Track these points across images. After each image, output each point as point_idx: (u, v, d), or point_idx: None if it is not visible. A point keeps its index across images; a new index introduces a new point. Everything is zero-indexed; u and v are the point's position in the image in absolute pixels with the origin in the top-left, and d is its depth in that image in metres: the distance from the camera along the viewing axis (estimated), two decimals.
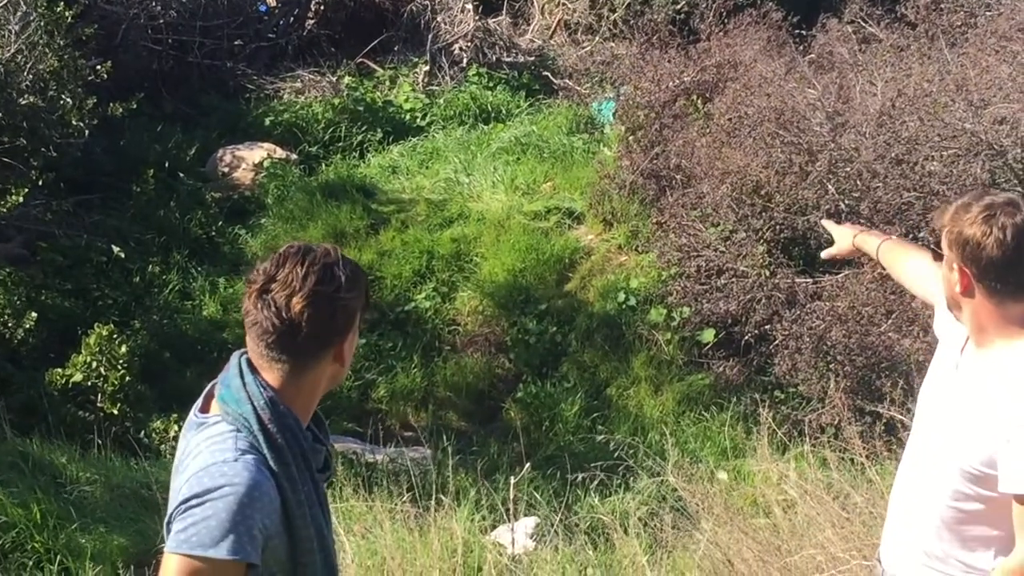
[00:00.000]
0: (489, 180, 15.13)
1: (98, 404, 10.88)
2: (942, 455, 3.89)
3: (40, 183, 12.68)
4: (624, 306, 12.70)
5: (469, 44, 18.63)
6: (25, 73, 12.70)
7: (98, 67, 13.44)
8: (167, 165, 15.29)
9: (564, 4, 19.57)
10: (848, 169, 10.88)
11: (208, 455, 2.97)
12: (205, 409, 3.15)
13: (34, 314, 11.32)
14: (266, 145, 16.13)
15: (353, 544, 7.33)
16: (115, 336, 11.16)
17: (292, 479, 3.01)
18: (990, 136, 9.99)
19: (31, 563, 7.83)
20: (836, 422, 9.85)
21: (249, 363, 3.10)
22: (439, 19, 18.90)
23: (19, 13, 12.92)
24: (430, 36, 18.70)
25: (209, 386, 3.20)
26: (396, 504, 7.94)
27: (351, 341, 3.16)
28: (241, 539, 2.87)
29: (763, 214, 11.60)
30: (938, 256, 4.01)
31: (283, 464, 3.00)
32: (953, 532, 3.89)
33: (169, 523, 3.00)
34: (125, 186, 14.64)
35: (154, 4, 17.15)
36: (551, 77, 18.31)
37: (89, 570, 7.39)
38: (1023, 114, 10.18)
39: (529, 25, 19.73)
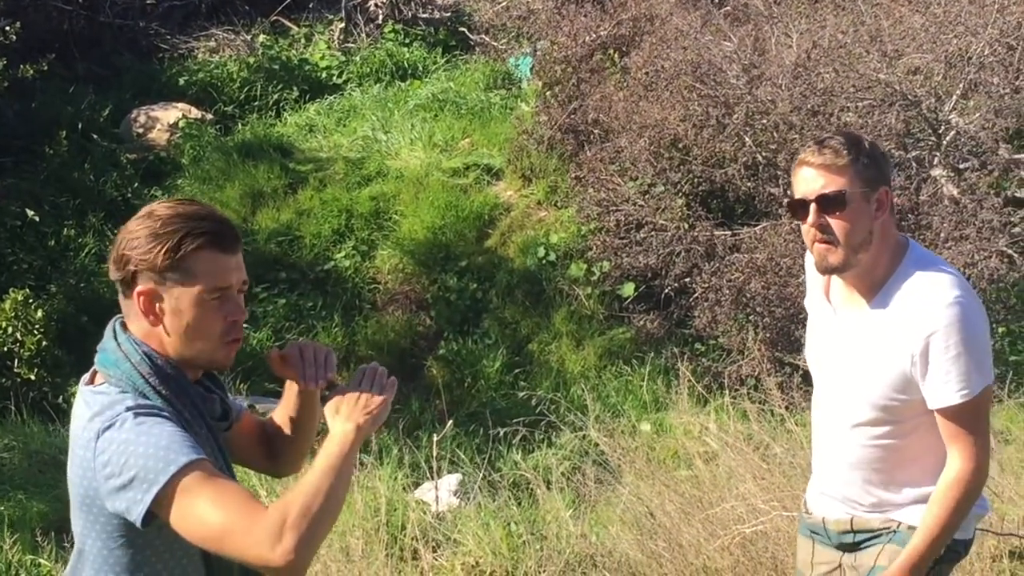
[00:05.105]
0: (407, 138, 15.07)
1: (15, 370, 10.79)
2: (850, 399, 3.86)
3: None
4: (544, 261, 12.73)
5: (384, 1, 18.49)
6: None
7: (7, 28, 13.22)
8: (80, 127, 15.11)
9: None
10: (765, 121, 10.95)
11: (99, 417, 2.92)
12: (92, 381, 3.09)
13: None
14: (181, 105, 15.96)
15: None
16: (31, 301, 11.06)
17: (187, 424, 2.96)
18: (904, 86, 10.08)
19: None
20: (756, 374, 9.94)
21: (123, 324, 3.07)
22: None
23: None
24: None
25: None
26: None
27: (171, 298, 2.98)
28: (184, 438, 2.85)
29: (681, 167, 11.65)
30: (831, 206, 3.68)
31: (175, 412, 2.96)
32: (879, 474, 3.86)
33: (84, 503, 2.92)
34: (38, 149, 14.43)
35: None
36: (468, 33, 18.23)
37: (7, 537, 7.31)
38: (936, 64, 10.27)
39: None
